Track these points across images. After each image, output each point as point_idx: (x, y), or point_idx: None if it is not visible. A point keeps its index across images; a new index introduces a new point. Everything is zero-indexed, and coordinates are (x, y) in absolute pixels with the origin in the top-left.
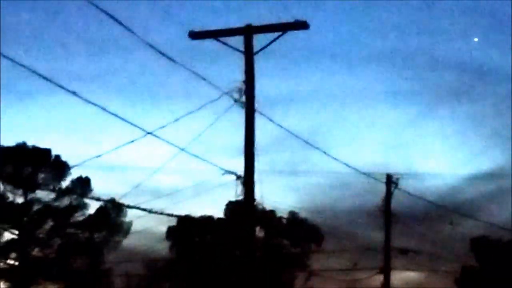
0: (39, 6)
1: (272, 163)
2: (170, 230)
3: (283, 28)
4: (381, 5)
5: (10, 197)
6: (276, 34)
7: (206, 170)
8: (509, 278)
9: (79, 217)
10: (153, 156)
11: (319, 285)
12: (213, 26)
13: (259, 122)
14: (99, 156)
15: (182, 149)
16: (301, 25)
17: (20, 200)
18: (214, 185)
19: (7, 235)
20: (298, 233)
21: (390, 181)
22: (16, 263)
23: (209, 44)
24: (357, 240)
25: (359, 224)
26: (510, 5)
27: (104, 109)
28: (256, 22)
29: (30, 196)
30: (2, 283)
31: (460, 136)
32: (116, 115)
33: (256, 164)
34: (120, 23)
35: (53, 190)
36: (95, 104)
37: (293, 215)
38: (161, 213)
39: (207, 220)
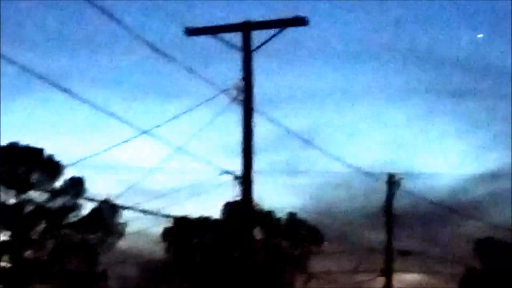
0: (29, 1)
1: (270, 162)
2: (166, 231)
3: (282, 24)
4: (383, 0)
5: (2, 197)
6: (275, 30)
7: (203, 170)
8: None
9: (73, 218)
10: (148, 156)
11: None
12: (210, 22)
13: (258, 121)
14: (93, 155)
15: (179, 149)
16: (300, 21)
17: (12, 201)
18: (211, 185)
19: None
20: (298, 235)
21: (392, 181)
22: (9, 265)
23: (206, 41)
24: (358, 241)
25: (360, 225)
26: None
27: (98, 107)
28: (254, 18)
29: (23, 196)
30: None
31: (465, 134)
32: (110, 114)
33: (254, 163)
34: (115, 19)
35: (46, 191)
36: (88, 102)
37: (292, 216)
38: (157, 214)
39: (204, 221)
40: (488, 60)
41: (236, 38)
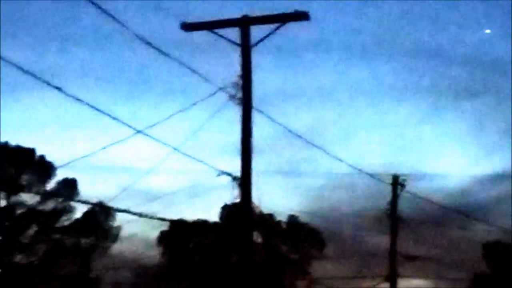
0: None
1: (270, 163)
2: (162, 235)
3: (282, 19)
4: None
5: None
6: (275, 25)
7: (200, 171)
8: None
9: (65, 221)
10: (143, 156)
11: None
12: (207, 17)
13: (257, 120)
14: (87, 156)
15: (175, 149)
16: (301, 16)
17: (2, 203)
18: (209, 187)
19: None
20: (298, 238)
21: (397, 182)
22: None
23: (203, 36)
24: (361, 245)
25: (363, 228)
26: None
27: (91, 106)
28: (253, 12)
29: (13, 199)
30: None
31: (472, 134)
32: (104, 113)
33: (253, 164)
34: (109, 15)
35: (37, 193)
36: (81, 101)
37: (292, 218)
38: (152, 217)
39: (201, 224)
40: (496, 57)
41: (234, 33)
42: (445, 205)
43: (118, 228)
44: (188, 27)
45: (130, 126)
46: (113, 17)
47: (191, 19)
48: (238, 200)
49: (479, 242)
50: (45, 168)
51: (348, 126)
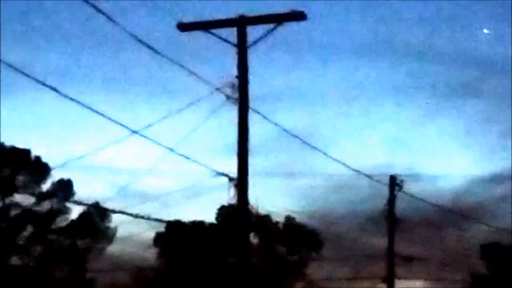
0: None
1: (267, 164)
2: (158, 236)
3: (278, 19)
4: None
5: None
6: (271, 25)
7: (197, 172)
8: None
9: (60, 222)
10: (139, 157)
11: None
12: (204, 17)
13: (253, 120)
14: (82, 157)
15: (171, 150)
16: (298, 16)
17: None
18: (205, 188)
19: None
20: (296, 240)
21: (394, 183)
22: None
23: (199, 36)
24: (358, 247)
25: (361, 229)
26: None
27: (87, 106)
28: (249, 12)
29: (8, 200)
30: None
31: (469, 135)
32: (100, 113)
33: (250, 165)
34: (104, 14)
35: (33, 194)
36: (77, 102)
37: (290, 220)
38: (149, 218)
39: (198, 225)
40: (495, 57)
41: (231, 33)
42: (443, 206)
43: (114, 229)
44: (184, 27)
45: (126, 127)
46: (109, 17)
47: (187, 19)
48: (234, 201)
49: (477, 243)
50: (41, 169)
51: (345, 127)
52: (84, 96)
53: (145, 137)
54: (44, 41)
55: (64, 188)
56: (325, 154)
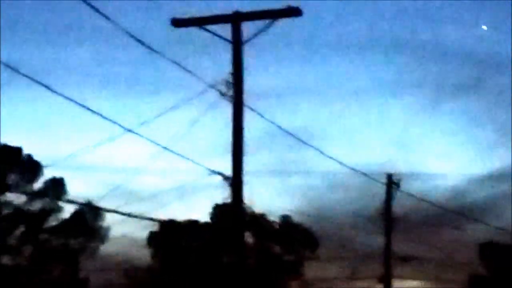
0: None
1: (262, 162)
2: (152, 235)
3: (274, 15)
4: None
5: None
6: (267, 21)
7: (191, 171)
8: None
9: (53, 221)
10: (133, 155)
11: None
12: (198, 13)
13: (249, 118)
14: (75, 155)
15: (165, 148)
16: (294, 12)
17: None
18: (200, 186)
19: None
20: (291, 239)
21: (391, 181)
22: None
23: (193, 33)
24: (355, 246)
25: (357, 228)
26: None
27: (79, 104)
28: (245, 8)
29: (0, 198)
30: None
31: (468, 132)
32: (92, 111)
33: (245, 163)
34: (98, 11)
35: (24, 193)
36: (69, 99)
37: (285, 219)
38: (142, 217)
39: (192, 225)
40: (494, 53)
41: (225, 30)
42: (441, 204)
43: (107, 229)
44: (178, 23)
45: (119, 125)
46: (102, 14)
47: (181, 15)
48: (229, 200)
49: (476, 242)
50: (32, 167)
51: (342, 124)
52: (76, 93)
53: (138, 135)
54: (34, 36)
55: (56, 186)
56: (321, 152)
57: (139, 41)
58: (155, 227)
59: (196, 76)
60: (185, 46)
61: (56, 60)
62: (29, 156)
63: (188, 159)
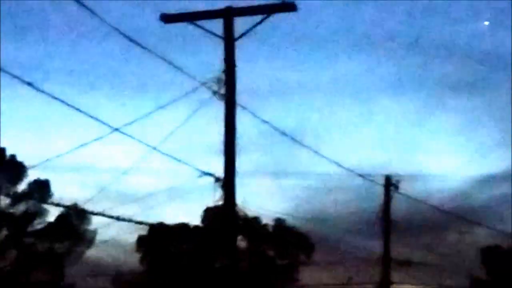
0: None
1: (255, 163)
2: (141, 239)
3: (267, 10)
4: None
5: None
6: (260, 17)
7: (181, 172)
8: None
9: (37, 225)
10: (121, 156)
11: None
12: (189, 8)
13: (241, 117)
14: (60, 156)
15: (154, 148)
16: (288, 7)
17: None
18: (190, 188)
19: None
20: (286, 243)
21: (389, 183)
22: None
23: (184, 28)
24: (352, 250)
25: (355, 232)
26: None
27: (65, 102)
28: (237, 3)
29: None
30: None
31: (469, 132)
32: (78, 110)
33: (237, 164)
34: (85, 6)
35: (7, 195)
36: (55, 97)
37: (279, 222)
38: (131, 221)
39: (182, 228)
40: (495, 51)
41: (217, 25)
42: (441, 207)
43: (94, 232)
44: (168, 18)
45: (106, 124)
46: (89, 9)
47: (171, 10)
48: (221, 203)
49: (477, 246)
50: (16, 168)
51: (338, 124)
52: (62, 91)
53: (126, 134)
54: (18, 33)
55: (41, 188)
56: (316, 152)
57: (127, 37)
58: (144, 230)
59: (187, 74)
60: (176, 42)
61: (41, 57)
62: (13, 157)
63: (178, 159)
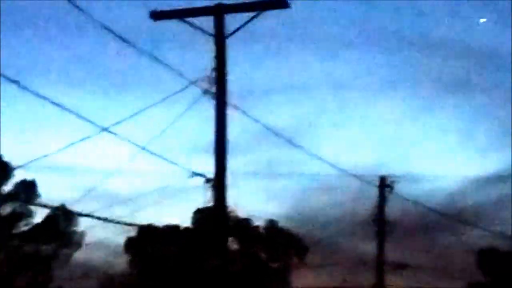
0: None
1: (247, 163)
2: (130, 241)
3: (259, 7)
4: None
5: None
6: (252, 14)
7: (171, 172)
8: None
9: (24, 226)
10: (109, 156)
11: None
12: (179, 5)
13: (232, 117)
14: (47, 156)
15: (143, 148)
16: (281, 4)
17: None
18: (180, 189)
19: None
20: (278, 245)
21: (384, 184)
22: None
23: (174, 26)
24: (345, 252)
25: (348, 234)
26: None
27: (52, 101)
28: (228, 0)
29: None
30: None
31: (465, 132)
32: (66, 109)
33: (228, 165)
34: (72, 3)
35: None
36: (41, 96)
37: (271, 223)
38: (119, 222)
39: (172, 229)
40: (493, 48)
41: (208, 22)
42: (437, 208)
43: (82, 234)
44: (157, 15)
45: (94, 123)
46: (76, 6)
47: (161, 7)
48: (212, 204)
49: (474, 248)
50: (2, 168)
51: (331, 124)
52: (48, 90)
53: (115, 134)
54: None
55: (28, 189)
56: (310, 153)
57: (116, 35)
58: (132, 232)
59: (177, 72)
60: (165, 40)
61: (26, 54)
62: None
63: (168, 160)
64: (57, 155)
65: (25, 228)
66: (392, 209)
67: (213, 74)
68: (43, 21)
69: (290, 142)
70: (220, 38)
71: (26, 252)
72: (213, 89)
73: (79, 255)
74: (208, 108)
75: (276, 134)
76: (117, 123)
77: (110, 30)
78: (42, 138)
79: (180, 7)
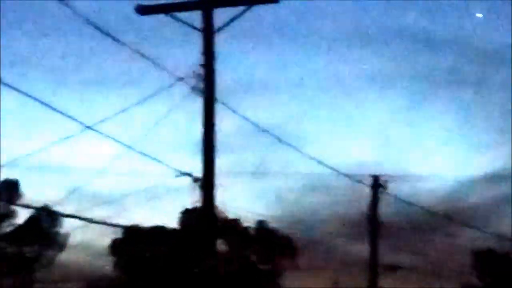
0: None
1: (236, 162)
2: (115, 243)
3: (248, 1)
4: None
5: None
6: (241, 8)
7: (157, 172)
8: None
9: (6, 227)
10: (94, 155)
11: None
12: None
13: (221, 114)
14: (30, 155)
15: (129, 147)
16: None
17: None
18: (167, 189)
19: None
20: (268, 246)
21: (377, 184)
22: None
23: (160, 20)
24: (338, 254)
25: (341, 235)
26: None
27: (35, 98)
28: None
29: None
30: None
31: (461, 130)
32: (49, 106)
33: (216, 164)
34: None
35: None
36: (24, 93)
37: (262, 224)
38: (104, 223)
39: (158, 231)
40: (488, 44)
41: (195, 17)
42: (432, 209)
43: (66, 236)
44: (143, 10)
45: (78, 121)
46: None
47: (147, 1)
48: (199, 204)
49: (469, 250)
50: None
51: (323, 122)
52: (31, 87)
53: (100, 132)
54: None
55: (10, 189)
56: (300, 151)
57: (101, 30)
58: (118, 233)
59: (164, 69)
60: (151, 35)
61: (9, 50)
62: None
63: (154, 159)
64: (41, 154)
65: (7, 229)
66: (386, 209)
67: (201, 70)
68: (26, 18)
69: (281, 140)
70: (208, 33)
71: (9, 253)
72: (201, 86)
73: (63, 257)
74: (196, 106)
75: (266, 132)
76: (102, 121)
77: (95, 25)
78: (25, 137)
79: (167, 1)
